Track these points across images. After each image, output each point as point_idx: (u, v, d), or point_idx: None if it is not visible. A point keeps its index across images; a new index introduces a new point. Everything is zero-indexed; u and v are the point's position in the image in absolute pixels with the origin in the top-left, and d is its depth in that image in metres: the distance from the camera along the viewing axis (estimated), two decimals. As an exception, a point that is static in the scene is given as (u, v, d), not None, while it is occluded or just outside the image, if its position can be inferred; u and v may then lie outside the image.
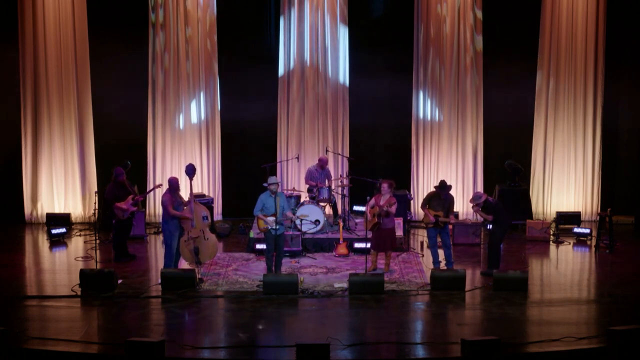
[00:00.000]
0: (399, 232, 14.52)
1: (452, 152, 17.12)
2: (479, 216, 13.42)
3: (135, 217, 14.28)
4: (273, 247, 12.48)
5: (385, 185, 13.00)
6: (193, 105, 16.92)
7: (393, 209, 12.89)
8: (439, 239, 13.18)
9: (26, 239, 15.93)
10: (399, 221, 14.53)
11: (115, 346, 9.46)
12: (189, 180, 12.73)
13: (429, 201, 13.13)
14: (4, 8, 16.63)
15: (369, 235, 13.12)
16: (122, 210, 13.59)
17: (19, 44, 16.59)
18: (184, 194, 13.85)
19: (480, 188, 16.87)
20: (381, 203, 12.86)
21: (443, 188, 13.00)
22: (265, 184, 12.50)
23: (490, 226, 12.99)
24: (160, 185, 14.72)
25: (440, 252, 13.20)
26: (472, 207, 13.05)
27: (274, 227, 12.29)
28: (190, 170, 12.73)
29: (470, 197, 13.62)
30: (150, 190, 14.65)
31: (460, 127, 17.05)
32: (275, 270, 12.48)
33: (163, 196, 12.60)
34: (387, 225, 12.95)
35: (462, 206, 16.86)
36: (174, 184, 12.65)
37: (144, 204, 16.78)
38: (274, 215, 12.30)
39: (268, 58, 17.09)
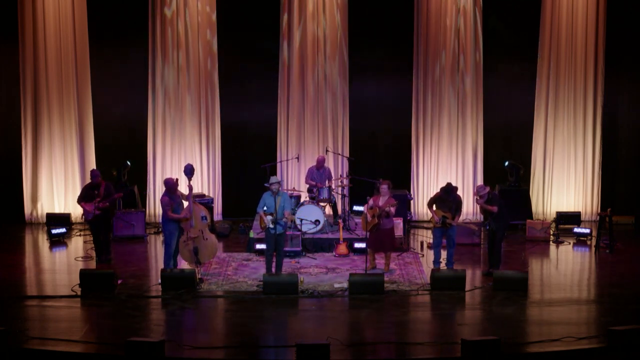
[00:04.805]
0: (399, 232, 14.51)
1: (452, 152, 17.12)
2: (479, 216, 13.38)
3: (113, 219, 14.21)
4: (273, 247, 12.46)
5: (384, 187, 12.95)
6: (193, 105, 16.91)
7: (393, 210, 12.86)
8: (443, 240, 13.05)
9: (26, 239, 15.92)
10: (398, 221, 14.52)
11: (115, 346, 9.45)
12: (187, 181, 12.72)
13: (434, 202, 12.99)
14: (4, 10, 16.63)
15: (368, 235, 13.10)
16: (86, 211, 13.55)
17: (19, 44, 16.58)
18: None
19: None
20: (380, 204, 12.84)
21: (448, 193, 12.81)
22: (266, 184, 12.48)
23: (489, 226, 12.93)
24: (120, 195, 14.25)
25: (442, 253, 13.16)
26: (476, 200, 13.00)
27: (271, 226, 12.28)
28: (189, 171, 12.67)
29: (474, 190, 13.52)
30: (111, 199, 13.74)
31: (460, 127, 17.05)
32: (276, 271, 12.47)
33: (161, 198, 12.55)
34: (385, 225, 12.92)
35: (464, 207, 16.79)
36: (170, 185, 12.57)
37: (143, 203, 16.79)
38: (272, 214, 12.30)
39: (268, 58, 17.10)
